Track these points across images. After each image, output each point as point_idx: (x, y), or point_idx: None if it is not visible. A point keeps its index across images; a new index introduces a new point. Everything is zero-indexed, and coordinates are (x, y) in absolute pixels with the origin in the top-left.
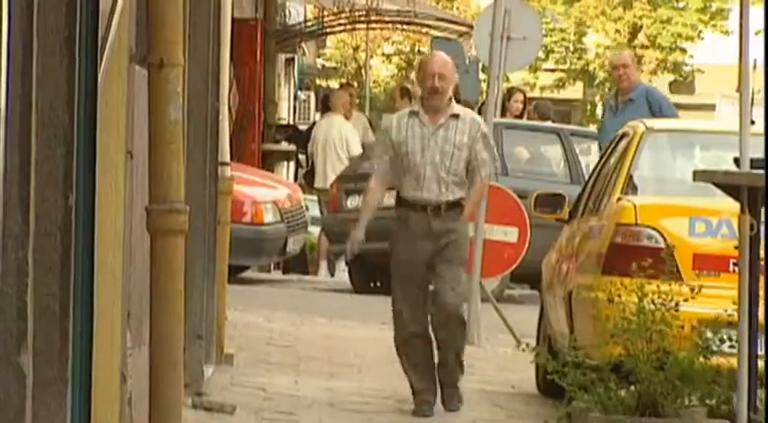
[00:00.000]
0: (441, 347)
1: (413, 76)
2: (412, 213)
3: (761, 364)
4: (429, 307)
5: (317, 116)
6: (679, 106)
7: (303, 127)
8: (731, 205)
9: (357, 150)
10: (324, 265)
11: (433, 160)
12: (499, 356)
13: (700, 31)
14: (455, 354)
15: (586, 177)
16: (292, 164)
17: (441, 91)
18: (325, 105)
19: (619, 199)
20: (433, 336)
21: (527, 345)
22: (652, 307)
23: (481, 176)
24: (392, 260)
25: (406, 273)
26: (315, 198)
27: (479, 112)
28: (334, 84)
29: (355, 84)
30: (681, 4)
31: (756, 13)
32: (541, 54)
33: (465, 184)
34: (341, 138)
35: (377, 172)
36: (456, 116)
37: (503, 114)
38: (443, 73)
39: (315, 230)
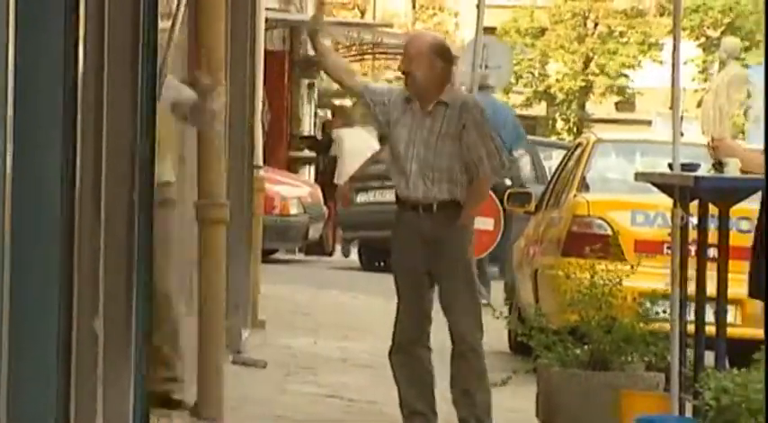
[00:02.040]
0: (454, 386)
1: None
2: (404, 213)
3: (690, 327)
4: (429, 319)
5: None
6: (623, 122)
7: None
8: (665, 201)
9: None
10: (338, 248)
11: (418, 154)
12: None
13: (639, 61)
14: (468, 394)
15: (549, 178)
16: (312, 167)
17: (410, 75)
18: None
19: (575, 195)
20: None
21: (500, 313)
22: (601, 282)
23: (479, 175)
24: (393, 266)
25: (403, 280)
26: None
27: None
28: (347, 102)
29: None
30: (624, 39)
31: (685, 46)
32: (512, 79)
33: (461, 183)
34: (349, 146)
35: (365, 84)
36: (445, 103)
37: None
38: (412, 55)
39: None
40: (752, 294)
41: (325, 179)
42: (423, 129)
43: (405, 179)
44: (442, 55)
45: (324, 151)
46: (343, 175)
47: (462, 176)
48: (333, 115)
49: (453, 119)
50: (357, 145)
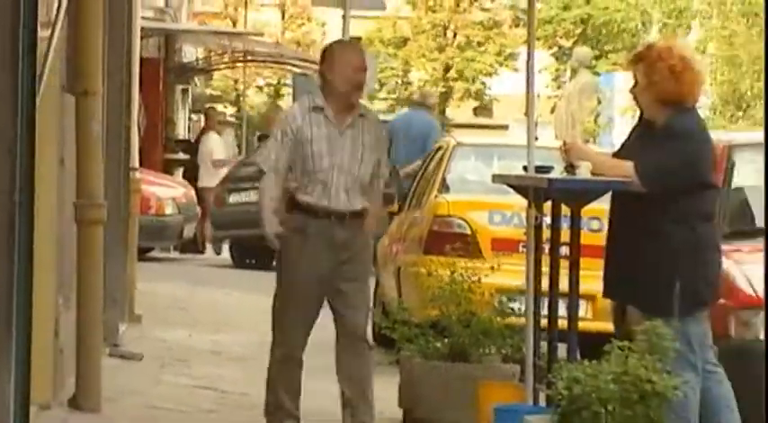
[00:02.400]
0: (345, 380)
1: (281, 101)
2: (312, 221)
3: (543, 321)
4: (310, 331)
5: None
6: (481, 127)
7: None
8: (521, 201)
9: (218, 158)
10: (209, 246)
11: (342, 165)
12: None
13: (496, 69)
14: (362, 390)
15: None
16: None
17: (363, 87)
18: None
19: (436, 196)
20: (336, 367)
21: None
22: (461, 279)
23: (380, 185)
24: (284, 274)
25: (302, 289)
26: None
27: None
28: (220, 107)
29: (235, 108)
30: (482, 49)
31: (539, 55)
32: (377, 86)
33: (368, 192)
34: (209, 149)
35: (271, 166)
36: (362, 115)
37: None
38: (366, 66)
39: None
40: (605, 295)
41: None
42: (345, 140)
43: (323, 190)
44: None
45: (196, 154)
46: (204, 179)
47: (369, 187)
48: (206, 119)
49: (372, 130)
50: (220, 150)
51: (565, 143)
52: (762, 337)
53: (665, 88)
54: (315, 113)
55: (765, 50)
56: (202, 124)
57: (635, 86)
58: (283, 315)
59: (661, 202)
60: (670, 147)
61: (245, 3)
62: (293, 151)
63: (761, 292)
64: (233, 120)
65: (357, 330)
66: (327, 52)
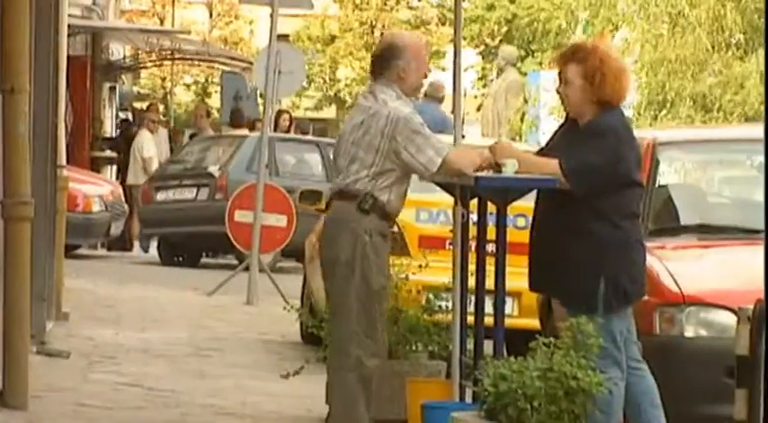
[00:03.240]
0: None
1: (209, 99)
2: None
3: (469, 318)
4: None
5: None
6: None
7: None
8: (447, 199)
9: (148, 155)
10: (137, 244)
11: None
12: (273, 314)
13: None
14: None
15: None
16: (114, 167)
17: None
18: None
19: None
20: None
21: (292, 306)
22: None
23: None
24: (375, 280)
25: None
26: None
27: (253, 129)
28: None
29: (162, 106)
30: None
31: (466, 54)
32: (305, 83)
33: None
34: (140, 147)
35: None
36: None
37: (274, 130)
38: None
39: None
40: (531, 287)
41: (123, 178)
42: None
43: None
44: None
45: (125, 152)
46: (132, 176)
47: None
48: (134, 118)
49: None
50: (151, 148)
51: (495, 143)
52: (686, 333)
53: (602, 89)
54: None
55: (766, 50)
56: (131, 122)
57: (567, 85)
58: (377, 322)
59: (586, 199)
60: (595, 144)
61: (173, 1)
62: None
63: (685, 289)
64: (161, 117)
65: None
66: (405, 46)
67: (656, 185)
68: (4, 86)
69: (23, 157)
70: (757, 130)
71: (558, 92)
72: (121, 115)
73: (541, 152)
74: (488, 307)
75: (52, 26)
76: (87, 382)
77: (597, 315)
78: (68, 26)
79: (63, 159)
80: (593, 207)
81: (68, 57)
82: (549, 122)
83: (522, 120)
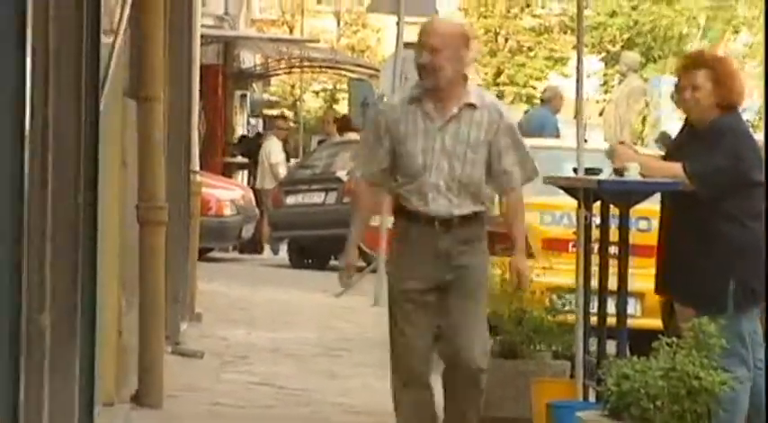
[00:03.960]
0: (453, 416)
1: (337, 105)
2: (414, 227)
3: (593, 319)
4: (433, 351)
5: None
6: None
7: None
8: (571, 202)
9: (275, 161)
10: (267, 247)
11: (440, 165)
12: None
13: (546, 74)
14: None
15: None
16: (246, 172)
17: (433, 68)
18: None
19: None
20: (444, 400)
21: None
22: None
23: (511, 190)
24: (391, 287)
25: (410, 305)
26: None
27: None
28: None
29: (292, 113)
30: (532, 54)
31: (588, 60)
32: None
33: (482, 196)
34: (267, 153)
35: (364, 172)
36: (472, 105)
37: None
38: (437, 44)
39: None
40: (658, 292)
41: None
42: (445, 135)
43: (420, 194)
44: (468, 44)
45: (255, 156)
46: (262, 181)
47: (486, 188)
48: (264, 124)
49: (483, 123)
50: (279, 153)
51: (622, 142)
52: None
53: (731, 91)
54: (412, 106)
55: (766, 50)
56: (260, 129)
57: (696, 90)
58: (395, 342)
59: (713, 201)
60: (716, 146)
61: (302, 10)
62: (387, 156)
63: None
64: (291, 124)
65: (468, 367)
66: (462, 36)
67: None
68: (140, 94)
69: (158, 163)
70: None
71: (676, 98)
72: (252, 121)
73: (665, 157)
74: (611, 308)
75: (186, 36)
76: (220, 382)
77: (727, 315)
78: (201, 36)
79: (196, 165)
80: (721, 209)
81: (201, 66)
82: (671, 125)
83: (643, 123)
